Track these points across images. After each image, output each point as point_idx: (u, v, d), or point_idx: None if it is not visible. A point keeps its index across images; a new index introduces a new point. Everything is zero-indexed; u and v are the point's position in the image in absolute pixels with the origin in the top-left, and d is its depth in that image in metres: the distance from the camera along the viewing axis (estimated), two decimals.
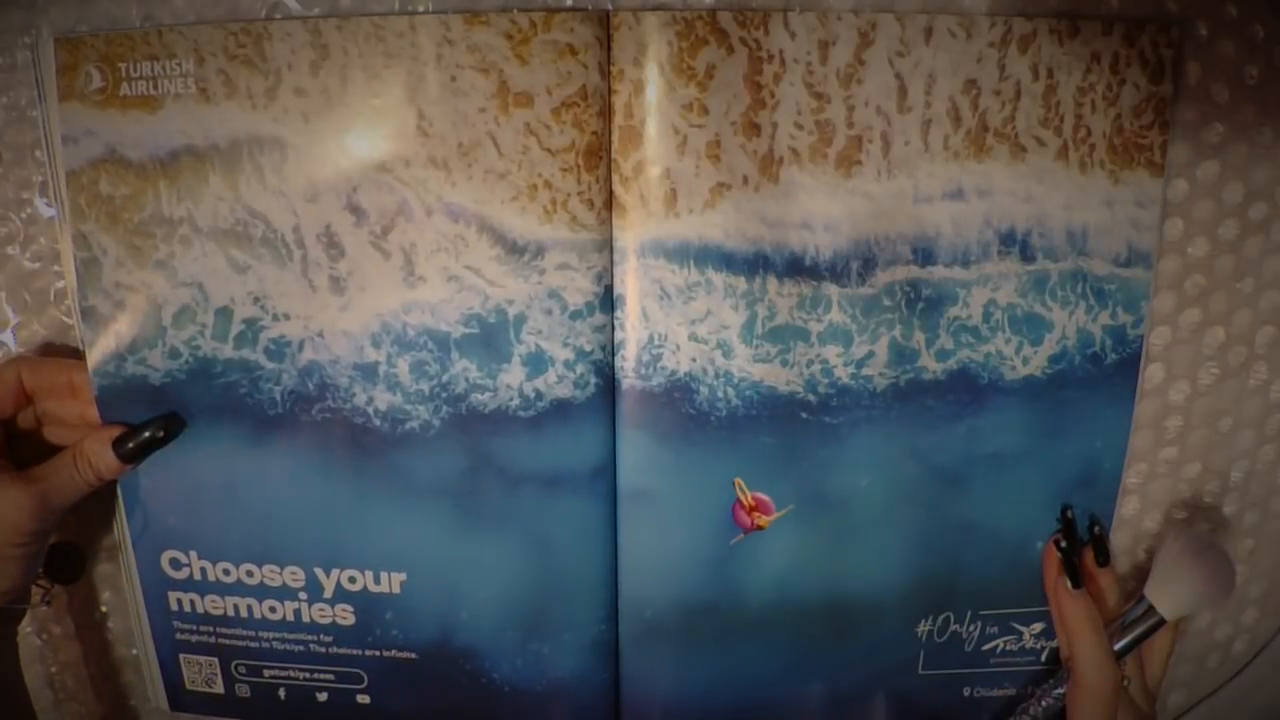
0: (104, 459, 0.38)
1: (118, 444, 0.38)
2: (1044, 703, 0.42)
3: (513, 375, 0.39)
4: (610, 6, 0.37)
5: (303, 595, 0.42)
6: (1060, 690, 0.41)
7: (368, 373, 0.39)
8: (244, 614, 0.42)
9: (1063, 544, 0.41)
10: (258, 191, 0.37)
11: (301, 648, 0.43)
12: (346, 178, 0.37)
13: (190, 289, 0.38)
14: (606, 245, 0.38)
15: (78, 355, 0.40)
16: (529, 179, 0.37)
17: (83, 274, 0.38)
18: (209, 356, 0.39)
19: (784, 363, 0.39)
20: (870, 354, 0.40)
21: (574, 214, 0.37)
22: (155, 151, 0.37)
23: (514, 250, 0.38)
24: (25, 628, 0.41)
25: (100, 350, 0.39)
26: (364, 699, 0.44)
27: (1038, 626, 0.44)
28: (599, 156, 0.37)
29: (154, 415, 0.39)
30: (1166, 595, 0.40)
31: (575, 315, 0.38)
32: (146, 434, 0.39)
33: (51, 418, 0.40)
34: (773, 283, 0.38)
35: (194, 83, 0.37)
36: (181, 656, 0.43)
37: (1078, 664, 0.39)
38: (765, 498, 0.41)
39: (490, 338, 0.38)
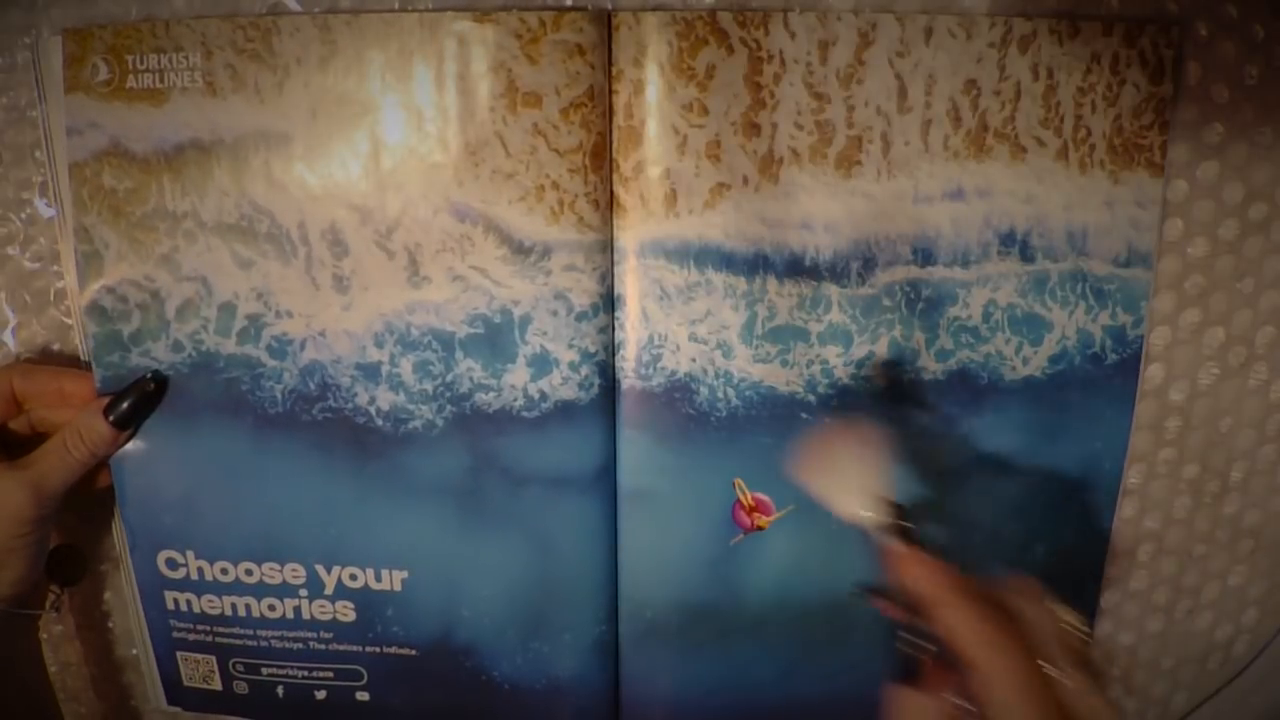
0: (97, 429, 0.38)
1: (109, 410, 0.38)
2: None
3: (517, 376, 0.39)
4: (610, 6, 0.37)
5: (303, 592, 0.42)
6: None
7: (370, 372, 0.39)
8: (242, 613, 0.42)
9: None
10: (263, 187, 0.37)
11: (300, 645, 0.43)
12: (352, 175, 0.37)
13: (194, 283, 0.38)
14: (609, 246, 0.38)
15: (74, 359, 0.40)
16: (536, 179, 0.37)
17: (84, 267, 0.38)
18: (212, 351, 0.39)
19: (784, 363, 0.39)
20: (870, 354, 0.40)
21: (581, 215, 0.37)
22: (160, 145, 0.37)
23: (520, 251, 0.38)
24: None
25: (101, 342, 0.39)
26: (363, 696, 0.43)
27: None
28: (604, 157, 0.37)
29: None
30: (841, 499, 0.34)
31: (581, 316, 0.38)
32: (135, 390, 0.38)
33: (45, 424, 0.40)
34: (773, 283, 0.39)
35: (201, 76, 0.37)
36: (179, 654, 0.43)
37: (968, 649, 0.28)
38: (765, 498, 0.41)
39: (495, 338, 0.38)
